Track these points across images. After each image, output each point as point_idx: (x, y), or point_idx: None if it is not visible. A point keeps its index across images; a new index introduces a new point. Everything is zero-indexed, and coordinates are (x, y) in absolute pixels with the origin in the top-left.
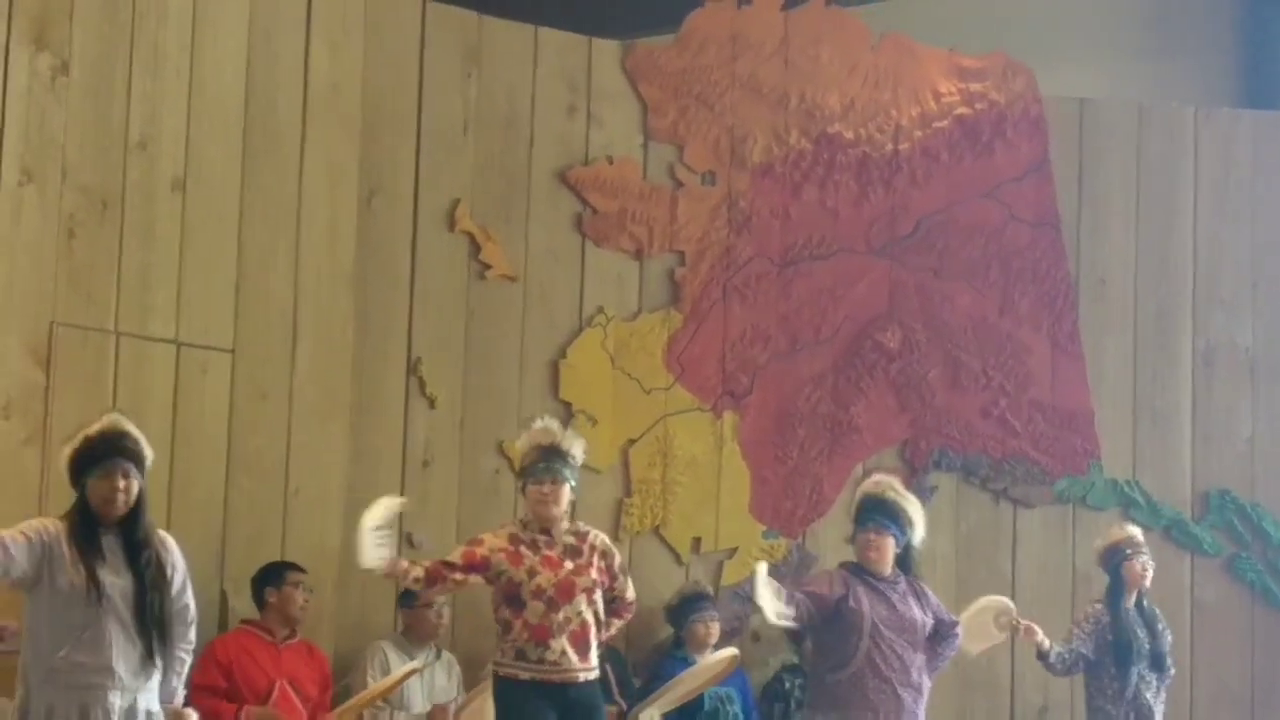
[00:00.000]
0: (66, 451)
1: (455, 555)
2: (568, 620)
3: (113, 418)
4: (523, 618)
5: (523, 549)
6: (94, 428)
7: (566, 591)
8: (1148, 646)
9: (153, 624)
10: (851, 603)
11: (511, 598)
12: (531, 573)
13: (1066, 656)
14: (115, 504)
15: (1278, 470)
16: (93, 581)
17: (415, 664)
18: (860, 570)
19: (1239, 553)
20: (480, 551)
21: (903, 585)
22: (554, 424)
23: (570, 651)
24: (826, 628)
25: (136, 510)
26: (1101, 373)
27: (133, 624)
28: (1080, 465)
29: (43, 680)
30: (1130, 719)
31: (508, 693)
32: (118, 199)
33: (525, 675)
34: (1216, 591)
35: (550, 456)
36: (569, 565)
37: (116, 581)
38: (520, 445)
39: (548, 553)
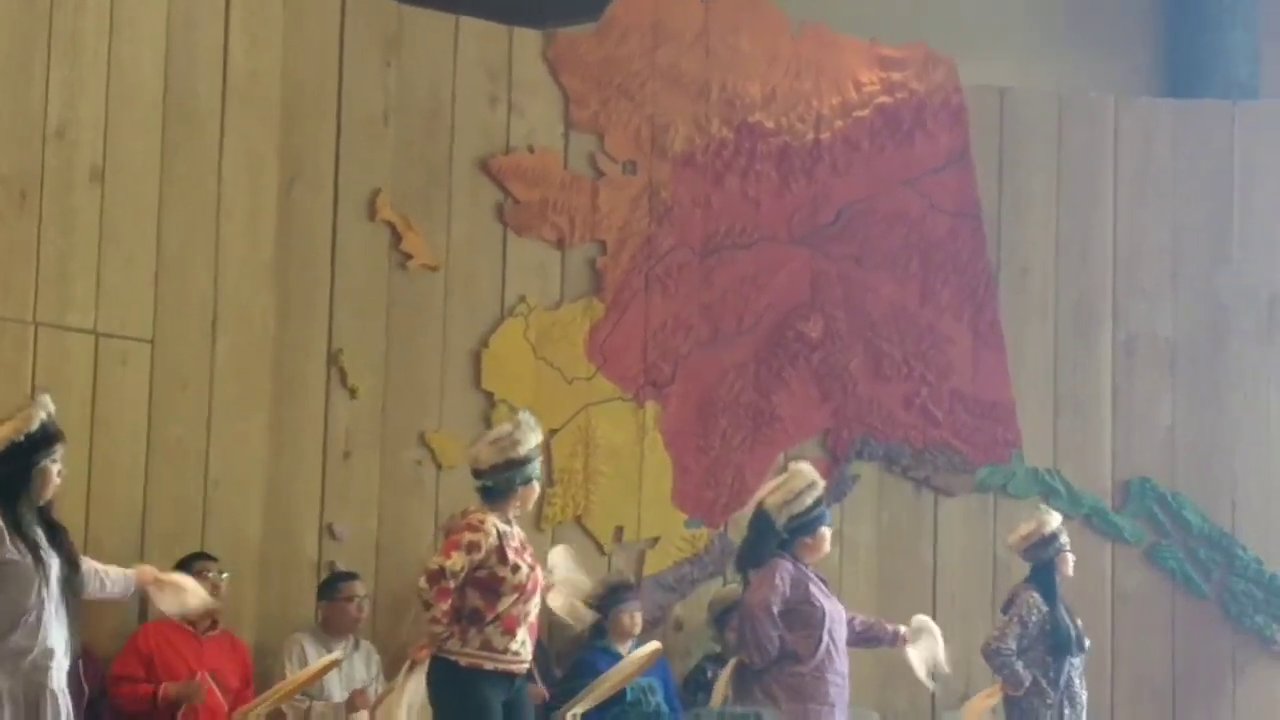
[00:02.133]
0: (8, 433)
1: (459, 575)
2: (528, 613)
3: (47, 401)
4: (496, 610)
5: (505, 544)
6: (39, 411)
7: (535, 585)
8: (1073, 633)
9: (75, 600)
10: (813, 601)
11: (489, 589)
12: (515, 568)
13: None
14: (58, 487)
15: (1198, 459)
16: (40, 565)
17: (335, 655)
18: (799, 563)
19: (1159, 541)
20: (477, 558)
21: (816, 574)
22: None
23: (528, 642)
24: (787, 625)
25: None
26: (1022, 362)
27: (61, 602)
28: (1001, 454)
29: None
30: (1064, 706)
31: (470, 682)
32: (36, 188)
33: (490, 666)
34: (1137, 580)
35: (540, 456)
36: (529, 558)
37: (52, 563)
38: (528, 444)
39: (515, 544)
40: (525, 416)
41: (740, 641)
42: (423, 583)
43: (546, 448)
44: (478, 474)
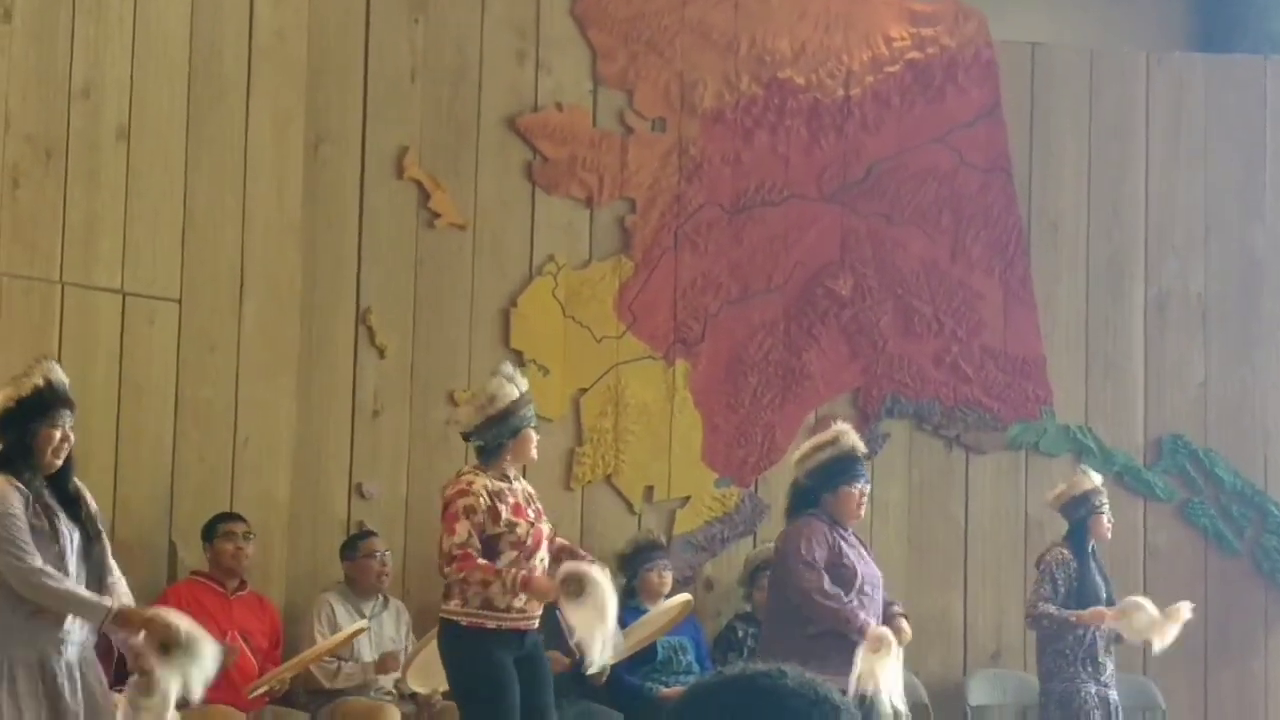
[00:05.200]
0: (2, 400)
1: (473, 541)
2: (533, 569)
3: (52, 366)
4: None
5: (497, 503)
6: (39, 376)
7: (538, 541)
8: (1104, 594)
9: (96, 575)
10: (845, 561)
11: (487, 550)
12: (510, 525)
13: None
14: (62, 454)
15: (1230, 416)
16: (55, 534)
17: (361, 624)
18: (833, 523)
19: (1191, 498)
20: (479, 519)
21: (854, 537)
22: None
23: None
24: None
25: (68, 461)
26: (1054, 318)
27: (81, 575)
28: (1032, 411)
29: (3, 637)
30: (1088, 667)
31: (474, 642)
32: (62, 148)
33: (492, 624)
34: (1169, 537)
35: (531, 404)
36: (531, 514)
37: (69, 533)
38: (507, 396)
39: (513, 500)
40: (504, 368)
41: (797, 601)
42: (447, 570)
43: (576, 407)
44: (465, 436)
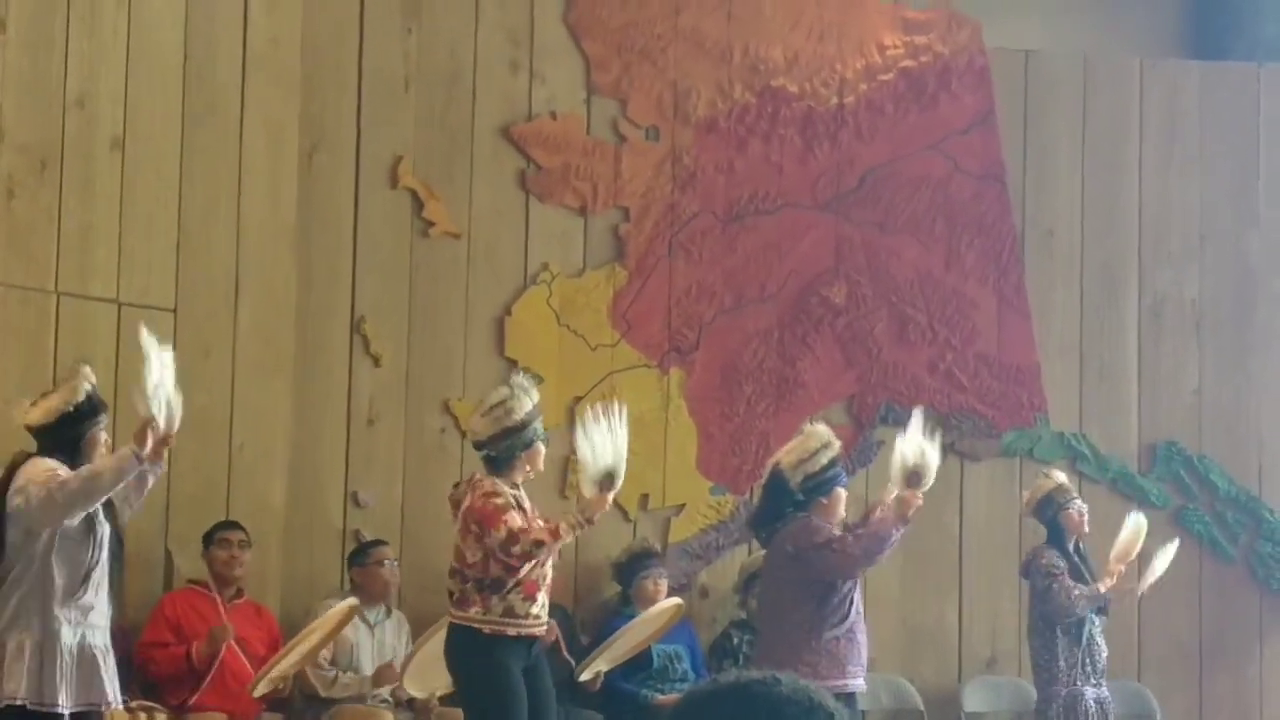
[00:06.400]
0: (59, 404)
1: (516, 521)
2: (546, 575)
3: (88, 371)
4: (517, 576)
5: (521, 505)
6: (84, 382)
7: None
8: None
9: (120, 572)
10: None
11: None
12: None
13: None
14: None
15: (1224, 422)
16: (94, 529)
17: (351, 601)
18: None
19: (1186, 505)
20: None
21: None
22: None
23: (547, 604)
24: (830, 586)
25: None
26: (1048, 326)
27: (106, 568)
28: (1027, 418)
29: (52, 622)
30: (1086, 662)
31: (491, 650)
32: (56, 158)
33: (513, 631)
34: (1164, 543)
35: (541, 416)
36: (540, 521)
37: (104, 531)
38: (524, 408)
39: (525, 509)
40: (518, 379)
41: (867, 563)
42: (514, 550)
43: (570, 415)
44: (478, 445)
